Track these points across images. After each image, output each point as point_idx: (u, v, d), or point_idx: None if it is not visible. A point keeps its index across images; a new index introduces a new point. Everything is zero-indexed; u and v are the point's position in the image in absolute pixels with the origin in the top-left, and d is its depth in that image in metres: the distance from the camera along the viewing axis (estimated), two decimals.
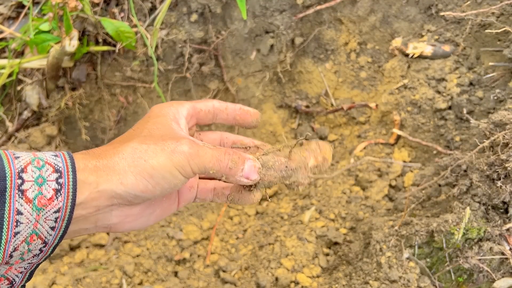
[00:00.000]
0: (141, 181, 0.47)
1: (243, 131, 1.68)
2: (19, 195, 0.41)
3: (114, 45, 1.40)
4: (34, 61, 1.33)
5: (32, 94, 1.46)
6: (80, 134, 1.46)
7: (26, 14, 1.55)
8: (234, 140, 0.63)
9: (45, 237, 0.44)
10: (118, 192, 0.46)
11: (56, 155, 0.45)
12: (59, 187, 0.43)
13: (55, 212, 0.43)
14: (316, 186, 1.47)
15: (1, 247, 0.40)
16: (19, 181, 0.41)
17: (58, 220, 0.44)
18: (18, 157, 0.42)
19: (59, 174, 0.43)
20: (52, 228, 0.44)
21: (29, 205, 0.41)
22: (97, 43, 1.39)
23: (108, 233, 1.35)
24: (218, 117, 0.61)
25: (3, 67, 1.34)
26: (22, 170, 0.42)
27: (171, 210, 0.59)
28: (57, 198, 0.43)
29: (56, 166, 0.44)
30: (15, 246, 0.42)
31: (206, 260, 1.34)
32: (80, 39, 1.33)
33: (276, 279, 1.19)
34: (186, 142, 0.49)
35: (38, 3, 1.51)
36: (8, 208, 0.40)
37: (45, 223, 0.43)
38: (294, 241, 1.27)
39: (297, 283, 1.19)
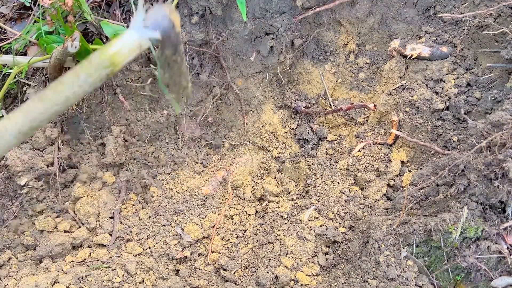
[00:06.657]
0: None
1: (243, 130, 1.69)
2: None
3: None
4: (42, 61, 1.35)
5: (34, 95, 1.47)
6: (82, 134, 1.46)
7: (28, 15, 1.56)
8: None
9: None
10: None
11: None
12: None
13: None
14: (315, 185, 1.48)
15: None
16: None
17: None
18: None
19: None
20: None
21: None
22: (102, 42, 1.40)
23: (110, 234, 1.36)
24: None
25: (6, 65, 1.35)
26: None
27: None
28: None
29: None
30: None
31: (207, 259, 1.35)
32: (86, 38, 1.34)
33: (276, 277, 1.20)
34: None
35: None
36: None
37: None
38: (294, 240, 1.28)
39: (296, 281, 1.20)
